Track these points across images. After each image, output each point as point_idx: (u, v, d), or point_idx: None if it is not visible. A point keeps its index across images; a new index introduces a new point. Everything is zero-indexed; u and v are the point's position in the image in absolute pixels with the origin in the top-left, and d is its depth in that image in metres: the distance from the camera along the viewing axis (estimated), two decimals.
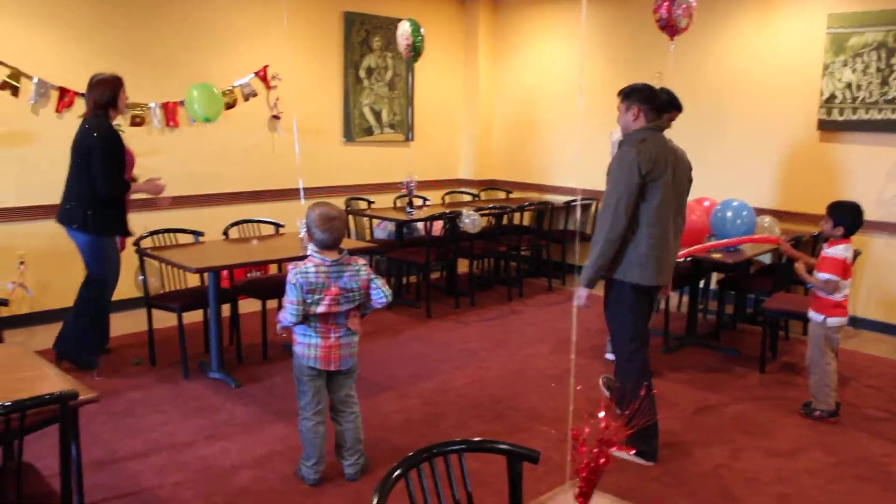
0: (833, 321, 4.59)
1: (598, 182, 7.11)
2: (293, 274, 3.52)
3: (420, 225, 7.63)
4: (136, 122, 6.48)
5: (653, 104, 4.07)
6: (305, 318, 3.60)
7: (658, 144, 4.00)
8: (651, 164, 3.89)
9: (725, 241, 5.69)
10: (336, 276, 3.56)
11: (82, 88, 5.55)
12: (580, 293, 4.08)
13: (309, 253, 3.62)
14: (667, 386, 5.22)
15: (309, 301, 3.53)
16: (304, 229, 3.59)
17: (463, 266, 7.83)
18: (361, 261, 3.67)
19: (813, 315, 4.67)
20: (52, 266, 6.13)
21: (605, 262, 3.99)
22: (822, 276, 4.53)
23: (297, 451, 3.97)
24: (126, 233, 5.28)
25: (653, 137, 4.00)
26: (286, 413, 4.57)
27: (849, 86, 6.41)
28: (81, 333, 5.20)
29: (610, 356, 5.67)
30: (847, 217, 4.53)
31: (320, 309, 3.54)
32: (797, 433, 4.51)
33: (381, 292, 3.67)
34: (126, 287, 6.37)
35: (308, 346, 3.64)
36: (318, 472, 3.78)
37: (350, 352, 3.73)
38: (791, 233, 6.22)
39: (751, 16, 7.01)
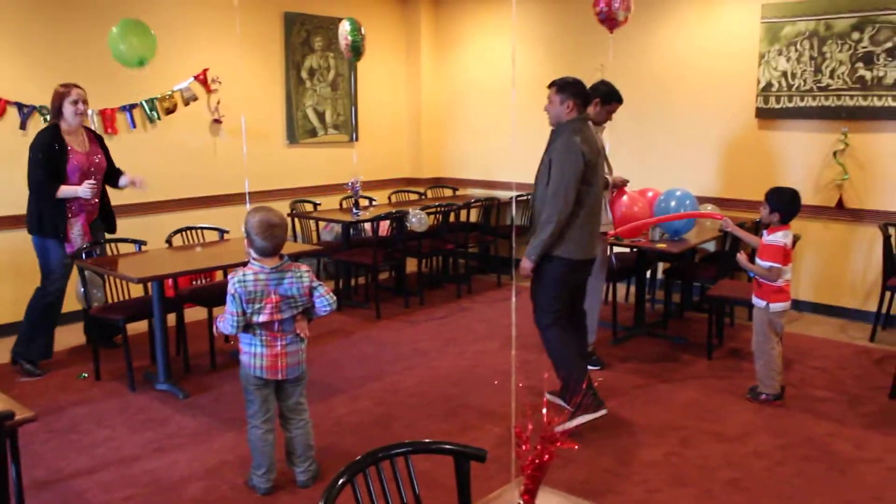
0: (776, 306, 4.67)
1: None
2: (231, 283, 3.46)
3: (367, 226, 7.60)
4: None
5: (583, 98, 4.48)
6: (249, 327, 3.54)
7: (590, 133, 4.49)
8: (590, 150, 4.33)
9: (671, 215, 5.77)
10: (276, 283, 3.49)
11: (14, 96, 5.43)
12: (526, 265, 4.42)
13: (249, 260, 3.56)
14: (616, 376, 5.27)
15: (249, 311, 3.48)
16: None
17: (411, 265, 7.82)
18: (304, 266, 3.61)
19: (756, 301, 4.75)
20: (2, 279, 5.98)
21: (553, 240, 4.30)
22: (765, 263, 4.61)
23: (248, 461, 3.91)
24: (60, 237, 5.21)
25: (586, 127, 4.47)
26: (236, 422, 4.51)
27: (784, 74, 6.53)
28: (24, 330, 5.35)
29: None
30: (783, 203, 4.61)
31: (262, 318, 3.49)
32: (745, 417, 4.58)
33: (324, 300, 3.61)
34: (68, 300, 6.23)
35: (253, 355, 3.57)
36: (270, 481, 3.73)
37: (298, 359, 3.66)
38: (733, 220, 6.30)
39: (689, 7, 7.10)
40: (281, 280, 3.50)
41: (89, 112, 6.45)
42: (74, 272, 5.34)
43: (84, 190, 5.16)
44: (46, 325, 5.36)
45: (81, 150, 5.29)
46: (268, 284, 3.47)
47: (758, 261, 4.70)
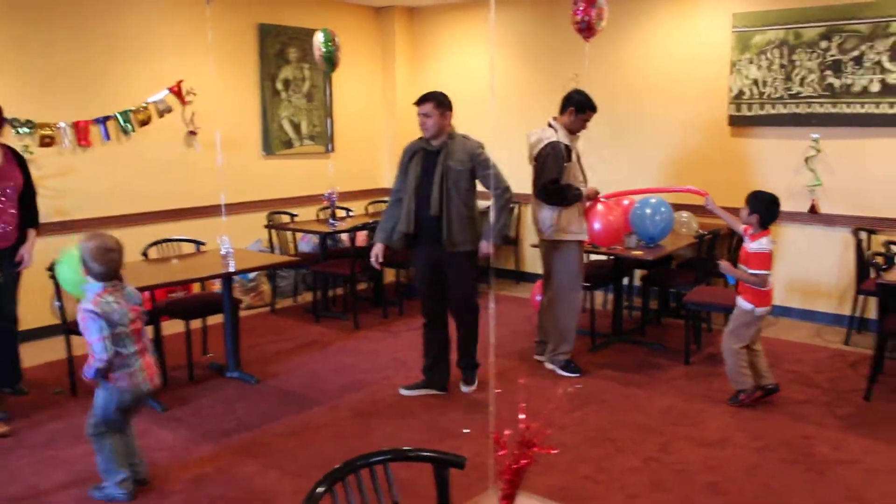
0: (761, 310, 4.73)
1: (518, 185, 7.16)
2: (92, 307, 3.42)
3: (344, 236, 7.59)
4: (46, 142, 6.28)
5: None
6: (123, 346, 3.53)
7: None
8: None
9: (656, 188, 5.86)
10: (129, 297, 3.60)
11: None
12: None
13: (91, 290, 3.51)
14: (595, 383, 5.29)
15: (122, 329, 3.50)
16: (82, 264, 3.53)
17: (389, 275, 7.81)
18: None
19: (743, 304, 4.76)
20: None
21: None
22: (754, 271, 4.64)
23: (228, 473, 3.90)
24: None
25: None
26: (214, 434, 4.48)
27: (755, 82, 6.61)
28: None
29: (539, 358, 5.73)
30: (761, 205, 4.65)
31: (132, 328, 3.55)
32: (723, 422, 4.62)
33: None
34: (43, 314, 6.17)
35: (133, 373, 3.58)
36: (131, 484, 3.78)
37: (157, 366, 3.79)
38: (708, 226, 6.38)
39: (662, 16, 7.18)
40: (130, 294, 3.63)
41: (61, 124, 6.39)
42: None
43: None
44: (9, 353, 5.02)
45: None
46: (125, 300, 3.55)
47: (742, 267, 4.73)
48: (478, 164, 4.88)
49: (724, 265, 4.83)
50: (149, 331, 5.15)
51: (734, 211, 5.00)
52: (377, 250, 5.14)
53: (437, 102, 4.83)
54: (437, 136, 4.89)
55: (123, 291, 3.55)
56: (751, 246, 4.67)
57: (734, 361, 4.81)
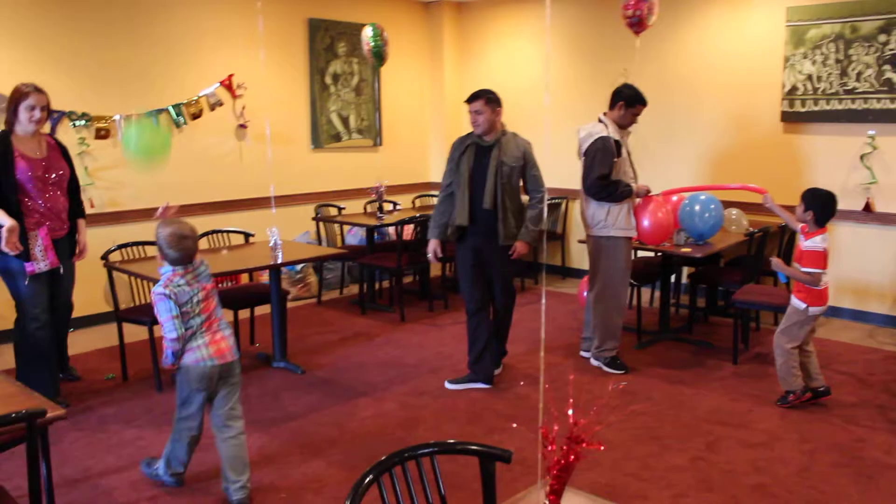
0: (815, 310, 4.63)
1: (566, 180, 7.12)
2: (163, 290, 3.48)
3: (391, 229, 7.63)
4: (101, 134, 6.42)
5: None
6: (189, 325, 3.58)
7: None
8: None
9: (713, 185, 5.83)
10: (201, 276, 3.63)
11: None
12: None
13: (165, 273, 3.57)
14: (641, 381, 5.25)
15: (189, 308, 3.54)
16: (159, 250, 3.59)
17: (436, 269, 7.83)
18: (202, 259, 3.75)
19: (797, 303, 4.67)
20: None
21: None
22: (807, 269, 4.56)
23: (275, 461, 3.96)
24: (24, 257, 4.60)
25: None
26: (261, 423, 4.54)
27: (809, 77, 6.49)
28: (19, 373, 4.75)
29: (585, 354, 5.71)
30: (817, 202, 4.55)
31: (202, 307, 3.59)
32: (772, 423, 4.55)
33: None
34: (96, 301, 6.31)
35: (197, 348, 3.59)
36: (182, 476, 3.83)
37: (233, 342, 3.73)
38: (758, 224, 6.29)
39: (713, 10, 7.08)
40: (203, 272, 3.66)
41: (116, 117, 6.52)
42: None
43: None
44: (45, 363, 4.78)
45: (34, 156, 4.66)
46: (196, 279, 3.59)
47: (796, 265, 4.66)
48: (528, 163, 5.02)
49: (776, 262, 4.76)
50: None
51: (789, 209, 4.92)
52: (433, 245, 5.25)
53: (488, 99, 4.91)
54: (488, 132, 4.98)
55: (196, 272, 3.62)
56: (805, 244, 4.58)
57: (785, 361, 4.73)
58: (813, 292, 4.59)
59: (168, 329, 3.50)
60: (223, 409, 3.70)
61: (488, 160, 4.94)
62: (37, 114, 4.63)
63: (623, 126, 5.29)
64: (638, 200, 5.46)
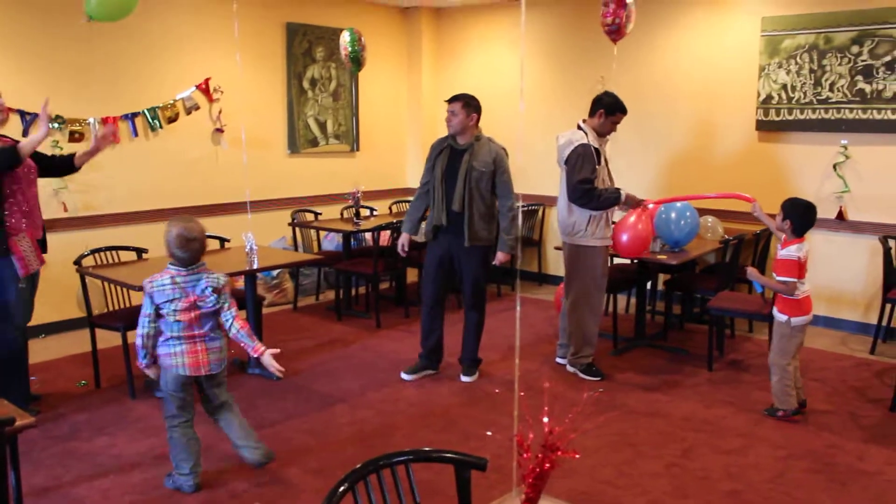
0: (797, 320, 4.62)
1: (542, 187, 7.16)
2: (147, 285, 3.60)
3: (367, 235, 7.61)
4: (76, 137, 6.35)
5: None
6: (168, 328, 3.65)
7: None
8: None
9: (702, 195, 5.96)
10: (192, 286, 3.64)
11: (15, 104, 5.38)
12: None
13: (167, 267, 3.68)
14: (617, 387, 5.27)
15: (165, 311, 3.60)
16: (166, 246, 3.66)
17: (412, 275, 7.82)
18: (222, 275, 3.76)
19: (777, 315, 4.68)
20: None
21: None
22: (780, 278, 4.58)
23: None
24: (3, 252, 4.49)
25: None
26: None
27: (784, 87, 6.55)
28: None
29: (561, 360, 5.72)
30: (795, 212, 4.57)
31: (180, 316, 3.61)
32: (745, 430, 4.58)
33: (229, 318, 3.75)
34: (68, 307, 6.24)
35: (173, 354, 3.67)
36: (196, 478, 3.81)
37: (219, 356, 3.77)
38: (733, 232, 6.33)
39: (690, 19, 7.13)
40: (197, 282, 3.65)
41: (90, 120, 6.46)
42: None
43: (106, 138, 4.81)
44: (19, 370, 4.65)
45: None
46: (185, 287, 3.62)
47: (773, 274, 4.68)
48: (498, 168, 5.15)
49: (751, 271, 4.78)
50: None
51: (757, 219, 4.97)
52: (404, 240, 5.51)
53: (465, 103, 5.10)
54: (461, 134, 5.15)
55: (191, 279, 3.64)
56: (780, 253, 4.62)
57: (780, 379, 4.67)
58: (791, 303, 4.61)
59: (138, 325, 3.64)
60: (213, 403, 3.86)
61: (460, 164, 5.12)
62: None
63: (602, 134, 5.31)
64: (620, 212, 5.48)
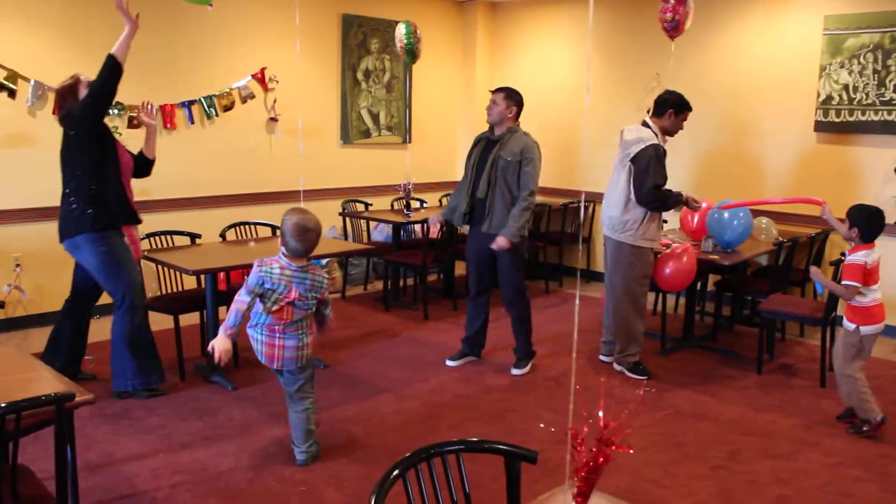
0: (867, 329, 4.46)
1: (597, 184, 7.12)
2: (257, 267, 3.64)
3: (417, 227, 7.64)
4: (134, 124, 6.46)
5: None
6: (257, 316, 3.74)
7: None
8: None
9: (772, 199, 6.03)
10: (299, 282, 3.68)
11: None
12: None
13: (279, 255, 3.73)
14: (665, 388, 5.22)
15: (269, 296, 3.65)
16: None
17: (460, 268, 7.82)
18: (325, 274, 3.82)
19: (846, 323, 4.53)
20: (48, 269, 6.10)
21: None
22: (844, 282, 4.47)
23: (294, 456, 3.98)
24: (135, 220, 4.85)
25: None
26: (282, 415, 4.54)
27: (845, 87, 6.41)
28: (133, 364, 4.77)
29: (604, 358, 5.68)
30: (862, 219, 4.43)
31: (275, 308, 3.67)
32: (795, 435, 4.50)
33: (324, 313, 3.91)
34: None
35: (256, 340, 3.80)
36: (302, 454, 3.98)
37: (296, 354, 3.81)
38: (788, 234, 6.23)
39: (749, 17, 7.01)
40: (304, 279, 3.70)
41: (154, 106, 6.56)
42: None
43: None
44: (153, 345, 4.90)
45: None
46: (291, 281, 3.66)
47: (841, 279, 4.58)
48: (524, 159, 5.17)
49: (814, 270, 4.68)
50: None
51: (813, 220, 4.87)
52: (435, 219, 5.70)
53: (508, 94, 5.22)
54: (498, 125, 5.26)
55: (300, 274, 3.69)
56: (848, 258, 4.51)
57: (853, 388, 4.51)
58: (860, 311, 4.46)
59: (239, 295, 3.66)
60: (289, 389, 3.94)
61: (491, 153, 5.24)
62: None
63: (671, 133, 5.28)
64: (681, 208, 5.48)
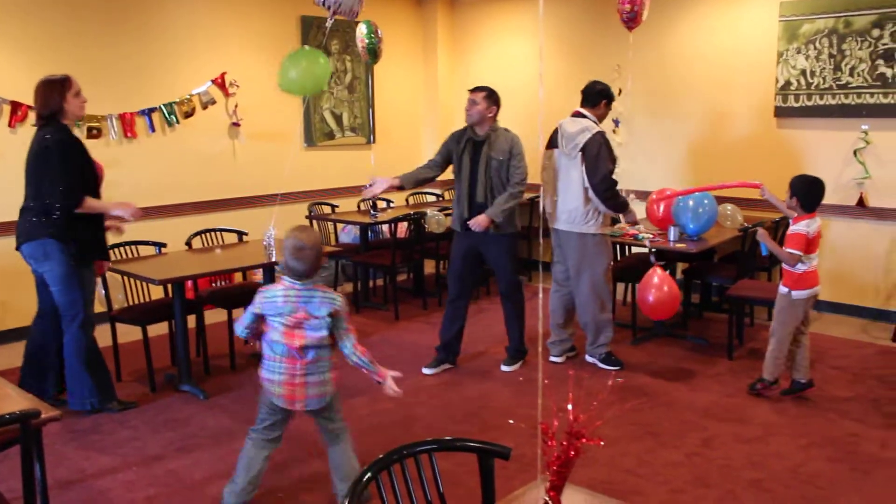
0: (798, 294, 4.67)
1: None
2: (259, 295, 3.40)
3: (385, 227, 7.61)
4: (93, 133, 6.38)
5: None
6: (270, 348, 3.42)
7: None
8: None
9: (707, 186, 5.99)
10: (305, 301, 3.37)
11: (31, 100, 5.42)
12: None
13: (283, 278, 3.45)
14: (637, 377, 5.25)
15: (272, 322, 3.38)
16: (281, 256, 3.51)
17: (429, 267, 7.82)
18: (339, 296, 3.48)
19: (781, 288, 4.77)
20: (11, 285, 6.00)
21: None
22: (787, 250, 4.62)
23: (272, 460, 3.92)
24: (105, 256, 4.81)
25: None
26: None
27: (803, 72, 6.49)
28: (89, 381, 4.63)
29: (555, 359, 5.65)
30: (802, 188, 4.63)
31: (283, 335, 3.36)
32: (767, 418, 4.56)
33: (347, 346, 3.52)
34: None
35: (271, 381, 3.43)
36: (235, 497, 3.53)
37: (321, 391, 3.48)
38: (753, 219, 6.29)
39: (706, 6, 7.07)
40: (311, 298, 3.38)
41: (108, 116, 6.49)
42: None
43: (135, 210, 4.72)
44: (102, 359, 4.77)
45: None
46: (297, 301, 3.36)
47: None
48: (513, 155, 5.21)
49: (761, 232, 4.79)
50: (191, 320, 5.28)
51: (776, 206, 4.96)
52: (382, 181, 5.35)
53: (488, 94, 5.21)
54: (479, 125, 5.21)
55: (306, 293, 3.38)
56: (791, 228, 4.64)
57: (775, 347, 4.79)
58: (794, 276, 4.66)
59: (242, 318, 3.46)
60: (321, 430, 3.63)
61: (480, 155, 5.19)
62: (83, 98, 4.52)
63: (600, 121, 5.43)
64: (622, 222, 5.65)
